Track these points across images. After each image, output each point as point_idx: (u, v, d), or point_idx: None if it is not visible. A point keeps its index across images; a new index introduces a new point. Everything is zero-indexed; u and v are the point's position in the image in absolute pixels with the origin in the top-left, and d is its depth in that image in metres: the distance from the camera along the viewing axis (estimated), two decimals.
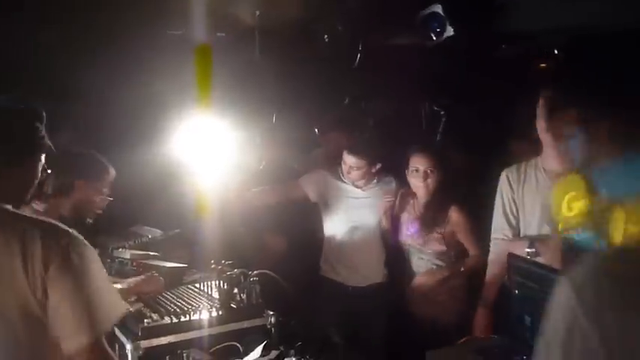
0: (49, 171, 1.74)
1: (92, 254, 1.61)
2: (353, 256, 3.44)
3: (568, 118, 2.07)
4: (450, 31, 3.39)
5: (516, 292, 2.09)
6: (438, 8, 3.39)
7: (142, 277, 2.73)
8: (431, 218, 3.19)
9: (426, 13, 3.43)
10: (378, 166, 3.39)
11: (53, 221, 1.62)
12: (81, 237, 1.60)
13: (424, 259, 3.24)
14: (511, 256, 2.19)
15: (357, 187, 3.43)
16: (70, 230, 1.60)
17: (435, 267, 3.21)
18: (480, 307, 2.79)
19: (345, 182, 3.45)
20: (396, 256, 3.46)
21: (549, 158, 2.53)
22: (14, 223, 1.56)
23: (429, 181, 3.13)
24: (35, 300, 1.50)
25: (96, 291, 1.56)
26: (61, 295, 1.51)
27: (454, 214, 3.15)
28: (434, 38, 3.45)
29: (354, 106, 4.55)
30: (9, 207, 1.60)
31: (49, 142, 1.71)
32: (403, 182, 3.35)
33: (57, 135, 1.77)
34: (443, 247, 3.19)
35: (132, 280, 2.68)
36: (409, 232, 3.28)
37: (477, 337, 2.59)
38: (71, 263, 1.52)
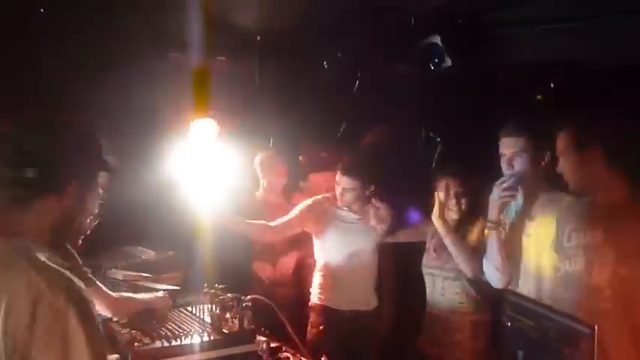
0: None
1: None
2: (347, 282, 3.39)
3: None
4: (448, 62, 3.43)
5: (509, 325, 2.09)
6: (437, 39, 3.44)
7: (156, 294, 2.73)
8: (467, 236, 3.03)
9: (425, 44, 3.48)
10: (372, 188, 3.34)
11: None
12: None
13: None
14: (505, 290, 2.19)
15: (352, 211, 3.40)
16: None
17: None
18: None
19: (340, 208, 3.42)
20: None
21: None
22: None
23: (463, 200, 3.03)
24: None
25: None
26: None
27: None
28: (432, 68, 3.49)
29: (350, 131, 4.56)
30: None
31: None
32: (423, 208, 3.18)
33: None
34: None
35: (146, 295, 2.68)
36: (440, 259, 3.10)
37: None
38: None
